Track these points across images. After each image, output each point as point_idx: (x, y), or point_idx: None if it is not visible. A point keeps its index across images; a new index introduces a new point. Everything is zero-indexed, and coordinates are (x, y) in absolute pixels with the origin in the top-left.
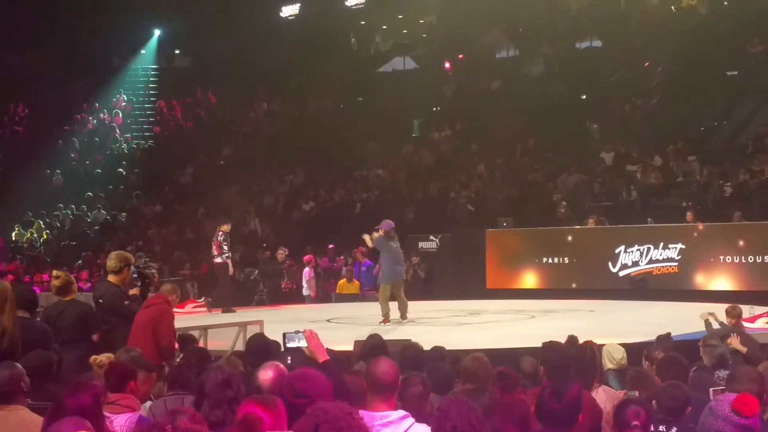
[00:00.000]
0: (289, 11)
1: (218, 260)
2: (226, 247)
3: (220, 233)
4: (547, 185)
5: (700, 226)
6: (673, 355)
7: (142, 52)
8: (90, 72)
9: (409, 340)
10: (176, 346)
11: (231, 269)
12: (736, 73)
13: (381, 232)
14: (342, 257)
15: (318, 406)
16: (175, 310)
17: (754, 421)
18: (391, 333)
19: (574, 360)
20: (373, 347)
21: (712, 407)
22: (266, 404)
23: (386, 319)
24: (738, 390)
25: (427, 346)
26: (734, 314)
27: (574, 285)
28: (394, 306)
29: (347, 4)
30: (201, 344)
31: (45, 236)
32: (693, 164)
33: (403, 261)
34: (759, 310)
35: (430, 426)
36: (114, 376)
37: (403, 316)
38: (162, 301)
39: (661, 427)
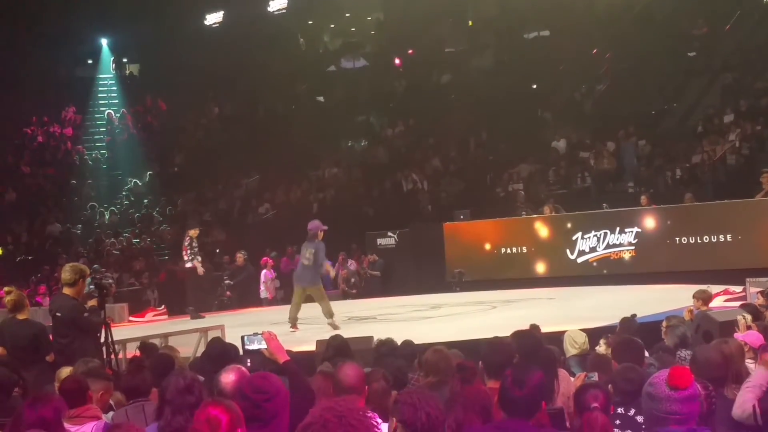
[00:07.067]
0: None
1: (188, 265)
2: (195, 251)
3: (188, 238)
4: (503, 176)
5: (654, 208)
6: (628, 338)
7: (89, 62)
8: (37, 84)
9: (371, 337)
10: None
11: (201, 271)
12: (687, 55)
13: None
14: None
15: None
16: (134, 319)
17: (693, 389)
18: (352, 330)
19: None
20: (336, 348)
21: (651, 394)
22: (225, 406)
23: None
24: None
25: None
26: (701, 297)
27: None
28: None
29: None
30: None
31: (0, 251)
32: (644, 148)
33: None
34: (716, 289)
35: (396, 419)
36: (68, 393)
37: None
38: None
39: (620, 409)
